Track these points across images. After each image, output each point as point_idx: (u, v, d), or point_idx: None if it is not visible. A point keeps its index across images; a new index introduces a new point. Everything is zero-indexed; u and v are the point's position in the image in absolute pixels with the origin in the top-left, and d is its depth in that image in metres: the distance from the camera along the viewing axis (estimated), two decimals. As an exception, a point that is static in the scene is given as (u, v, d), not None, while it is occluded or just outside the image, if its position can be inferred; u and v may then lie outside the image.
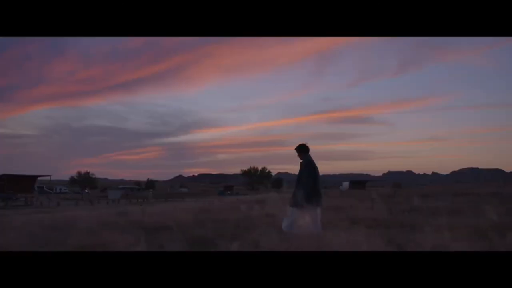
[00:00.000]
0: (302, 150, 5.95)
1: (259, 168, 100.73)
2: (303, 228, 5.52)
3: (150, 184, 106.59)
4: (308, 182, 5.69)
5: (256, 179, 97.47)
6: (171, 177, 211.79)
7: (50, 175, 31.45)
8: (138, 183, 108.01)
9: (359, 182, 65.57)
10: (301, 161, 5.95)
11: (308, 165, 5.83)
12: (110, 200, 36.98)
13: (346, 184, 67.11)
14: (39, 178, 33.82)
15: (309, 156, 5.95)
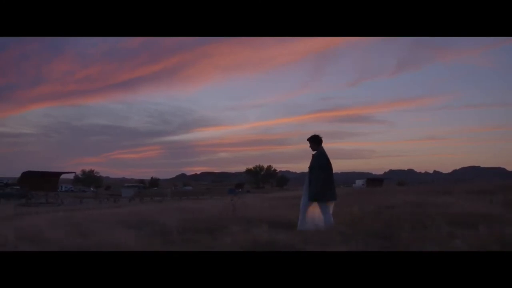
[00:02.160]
0: (315, 141, 5.68)
1: (265, 167, 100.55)
2: (317, 223, 5.36)
3: (154, 182, 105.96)
4: (321, 175, 5.46)
5: (261, 177, 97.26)
6: (173, 175, 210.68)
7: (74, 172, 30.48)
8: (142, 181, 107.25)
9: (376, 180, 63.82)
10: (313, 152, 5.68)
11: (320, 157, 5.59)
12: (128, 198, 36.25)
13: (359, 182, 66.24)
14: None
15: (322, 148, 5.68)
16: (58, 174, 30.61)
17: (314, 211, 5.49)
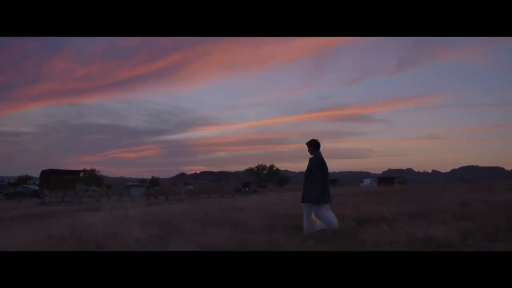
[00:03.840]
0: (313, 145, 5.87)
1: (267, 166, 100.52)
2: (319, 224, 5.49)
3: (155, 181, 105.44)
4: (320, 179, 5.63)
5: (264, 176, 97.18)
6: (173, 174, 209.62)
7: (94, 170, 29.52)
8: (143, 180, 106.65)
9: (387, 179, 62.15)
10: (311, 156, 5.87)
11: (319, 161, 5.77)
12: (137, 197, 35.84)
13: (367, 181, 65.48)
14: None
15: (320, 152, 5.87)
16: (77, 172, 30.17)
17: (316, 212, 5.59)
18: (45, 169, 26.95)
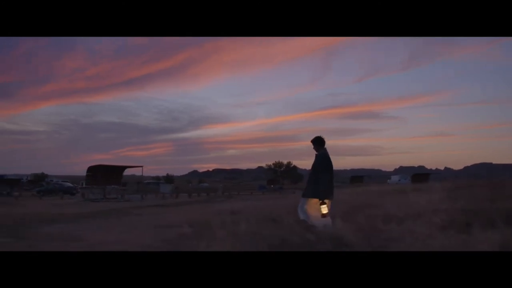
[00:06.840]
0: (318, 143, 5.94)
1: (284, 163, 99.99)
2: (318, 220, 5.47)
3: (170, 179, 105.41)
4: (325, 176, 5.73)
5: (281, 173, 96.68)
6: (185, 172, 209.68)
7: (142, 166, 28.76)
8: (158, 178, 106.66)
9: (421, 175, 58.28)
10: (316, 153, 5.96)
11: (324, 158, 5.87)
12: (165, 194, 35.20)
13: (395, 177, 63.47)
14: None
15: (325, 149, 5.96)
16: (123, 168, 29.78)
17: (316, 208, 5.60)
18: (92, 165, 26.48)
